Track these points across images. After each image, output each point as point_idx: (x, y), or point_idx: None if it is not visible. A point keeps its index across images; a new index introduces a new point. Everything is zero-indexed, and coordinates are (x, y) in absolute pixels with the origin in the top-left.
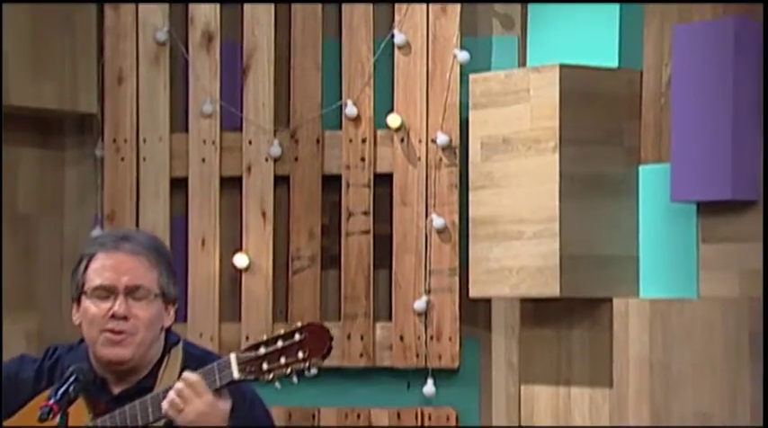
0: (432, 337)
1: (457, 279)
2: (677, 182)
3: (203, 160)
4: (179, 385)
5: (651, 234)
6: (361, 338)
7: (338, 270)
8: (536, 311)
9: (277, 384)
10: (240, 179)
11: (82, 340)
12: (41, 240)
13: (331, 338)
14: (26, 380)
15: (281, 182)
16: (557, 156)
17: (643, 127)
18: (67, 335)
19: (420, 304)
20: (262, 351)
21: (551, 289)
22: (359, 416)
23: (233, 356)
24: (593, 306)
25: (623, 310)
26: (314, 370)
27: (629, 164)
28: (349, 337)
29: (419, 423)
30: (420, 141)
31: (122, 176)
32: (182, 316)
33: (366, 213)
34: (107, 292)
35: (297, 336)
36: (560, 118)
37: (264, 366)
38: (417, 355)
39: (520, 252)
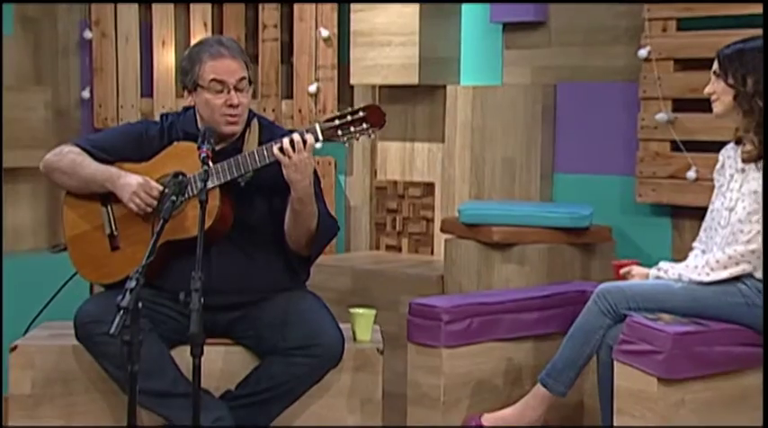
0: (319, 110)
1: (336, 72)
2: (495, 9)
3: None
4: (296, 137)
5: (471, 43)
6: (273, 110)
7: (257, 64)
8: (390, 95)
9: (346, 144)
10: None
11: (186, 109)
12: (44, 36)
13: (385, 114)
14: (154, 136)
15: (217, 1)
16: None
17: None
18: (65, 103)
19: (312, 88)
20: (337, 122)
21: (412, 79)
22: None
23: (317, 125)
24: (433, 91)
25: (453, 93)
26: (373, 136)
27: None
28: (264, 110)
29: None
30: None
31: None
32: (148, 92)
33: (276, 26)
34: (221, 86)
35: (361, 113)
36: None
37: (339, 132)
38: (309, 121)
39: (389, 54)
